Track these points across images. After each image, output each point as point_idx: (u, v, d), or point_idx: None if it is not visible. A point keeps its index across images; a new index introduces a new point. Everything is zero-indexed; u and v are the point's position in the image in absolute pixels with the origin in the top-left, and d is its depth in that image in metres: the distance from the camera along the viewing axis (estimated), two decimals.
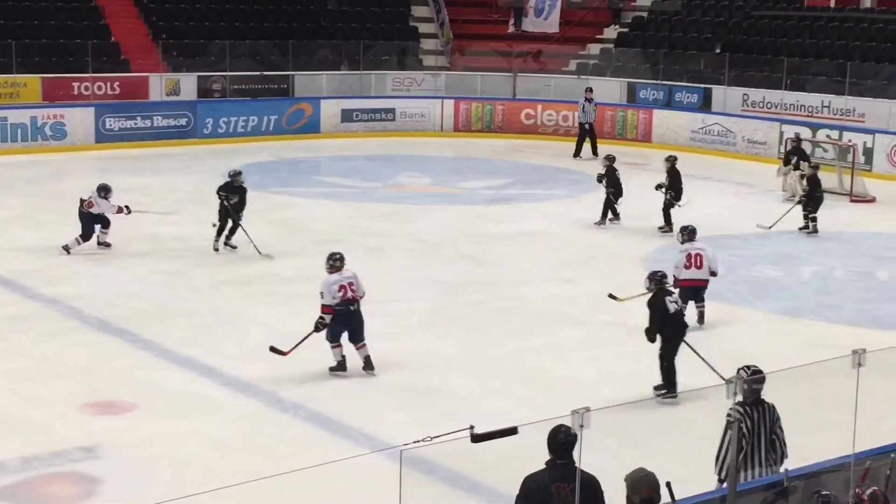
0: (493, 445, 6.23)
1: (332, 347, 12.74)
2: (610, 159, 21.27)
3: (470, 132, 33.32)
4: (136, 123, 30.15)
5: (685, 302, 13.83)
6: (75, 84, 30.82)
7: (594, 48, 35.92)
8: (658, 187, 20.46)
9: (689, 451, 9.99)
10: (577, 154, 29.18)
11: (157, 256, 17.93)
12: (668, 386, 11.94)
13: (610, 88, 32.78)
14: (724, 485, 7.74)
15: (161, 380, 12.52)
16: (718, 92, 31.21)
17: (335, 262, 12.85)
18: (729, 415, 7.85)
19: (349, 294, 12.60)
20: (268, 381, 12.43)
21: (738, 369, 8.57)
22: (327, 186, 25.22)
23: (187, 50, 33.39)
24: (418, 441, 6.26)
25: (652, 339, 11.98)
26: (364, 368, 12.69)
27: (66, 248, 17.62)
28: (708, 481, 8.16)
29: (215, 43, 33.31)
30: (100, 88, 31.10)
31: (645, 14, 36.03)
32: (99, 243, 18.12)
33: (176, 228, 19.73)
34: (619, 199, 20.93)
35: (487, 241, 19.66)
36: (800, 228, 20.56)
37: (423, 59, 36.60)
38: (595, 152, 28.46)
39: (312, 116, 32.72)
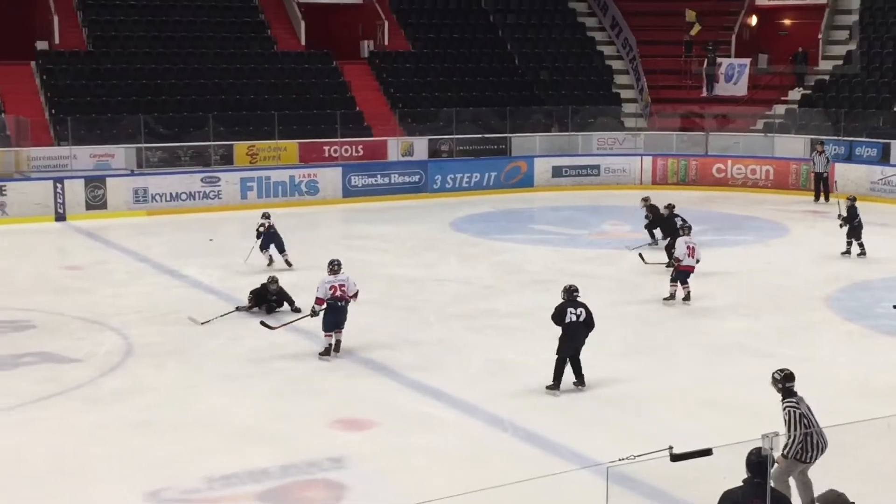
0: (689, 464, 6.08)
1: (325, 336, 14.33)
2: (852, 199, 21.27)
3: (666, 185, 32.84)
4: (376, 180, 30.81)
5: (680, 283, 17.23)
6: (326, 147, 31.79)
7: (780, 108, 34.96)
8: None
9: (867, 474, 9.52)
10: (816, 199, 28.95)
11: (392, 294, 18.21)
12: (555, 381, 12.76)
13: (794, 145, 31.86)
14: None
15: (397, 401, 12.67)
16: None
17: (333, 267, 14.44)
18: (786, 408, 8.86)
19: (339, 293, 14.21)
20: (489, 402, 12.43)
21: (773, 372, 9.30)
22: (540, 234, 25.21)
23: (420, 117, 34.04)
24: (623, 459, 6.16)
25: (557, 324, 12.84)
26: (334, 350, 14.24)
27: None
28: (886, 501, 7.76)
29: (444, 110, 33.87)
30: (346, 151, 31.98)
31: (827, 77, 34.88)
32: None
33: (408, 270, 20.03)
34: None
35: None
36: None
37: (624, 121, 36.32)
38: (826, 198, 28.01)
39: (527, 172, 32.84)
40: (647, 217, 22.59)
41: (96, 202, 27.30)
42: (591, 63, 38.82)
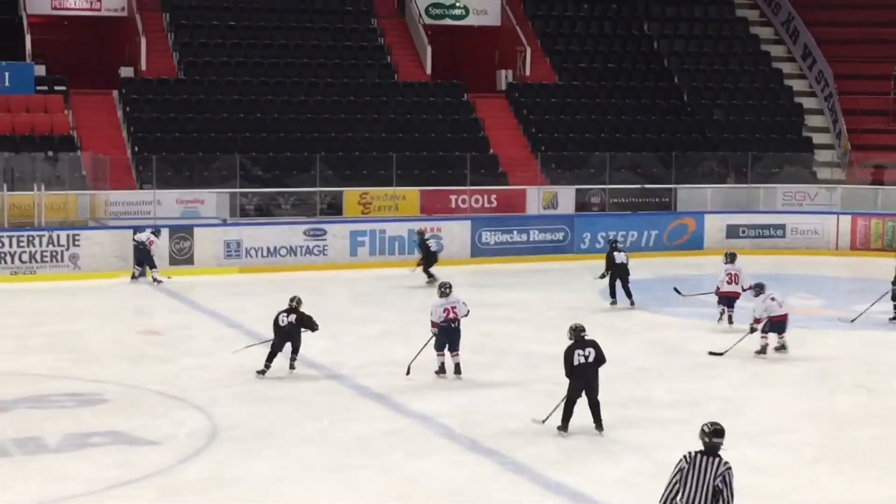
0: None
1: (437, 355, 17.67)
2: None
3: (868, 251, 32.21)
4: (511, 237, 30.92)
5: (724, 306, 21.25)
6: (453, 196, 32.08)
7: None
8: None
9: None
10: None
11: (530, 376, 18.15)
12: (563, 421, 14.67)
13: None
14: None
15: None
16: None
17: (444, 290, 17.85)
18: (680, 460, 9.78)
19: (451, 315, 17.50)
20: None
21: (703, 425, 9.98)
22: (710, 306, 24.88)
23: (566, 162, 34.14)
24: None
25: (567, 376, 14.65)
26: (454, 373, 17.56)
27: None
28: None
29: (595, 155, 33.92)
30: (477, 201, 32.22)
31: None
32: None
33: (549, 347, 19.92)
34: None
35: (887, 370, 18.82)
36: None
37: (817, 172, 35.85)
38: None
39: (696, 232, 32.58)
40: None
41: (182, 256, 27.98)
42: (776, 100, 38.49)
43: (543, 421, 15.09)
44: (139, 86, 33.90)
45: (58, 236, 27.12)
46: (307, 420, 15.59)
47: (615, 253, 24.33)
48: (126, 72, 34.44)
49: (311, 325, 17.82)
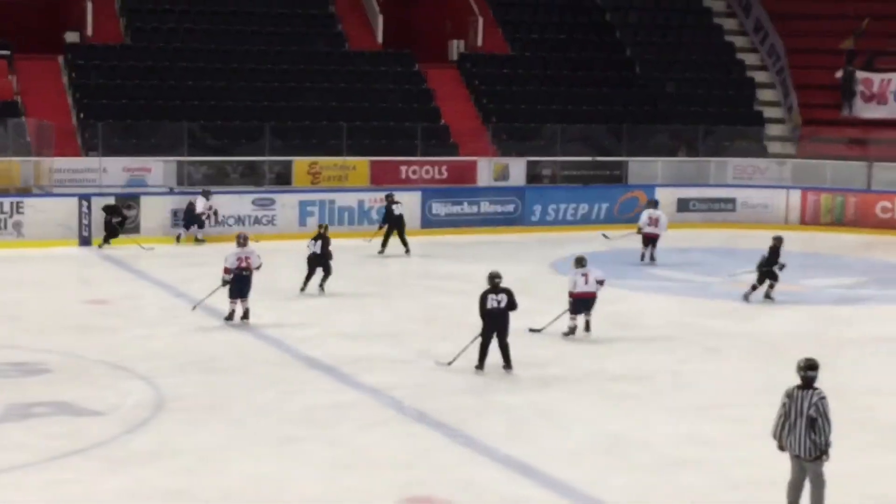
0: None
1: (230, 302, 19.22)
2: None
3: (818, 225, 32.49)
4: (462, 209, 30.94)
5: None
6: (403, 167, 32.05)
7: None
8: None
9: None
10: None
11: (478, 347, 18.17)
12: (479, 361, 16.40)
13: None
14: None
15: (479, 478, 12.59)
16: None
17: (240, 240, 19.45)
18: (784, 395, 10.93)
19: (244, 264, 19.06)
20: (593, 484, 12.31)
21: (798, 361, 11.08)
22: (661, 280, 25.05)
23: (517, 133, 34.13)
24: None
25: (481, 318, 16.41)
26: (241, 318, 19.20)
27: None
28: None
29: (546, 127, 33.92)
30: (427, 172, 32.19)
31: None
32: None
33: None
34: None
35: (836, 345, 18.97)
36: None
37: (767, 146, 36.08)
38: None
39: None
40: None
41: (128, 225, 27.75)
42: (728, 74, 38.69)
43: (449, 363, 16.37)
44: (85, 51, 33.57)
45: (1, 204, 26.84)
46: (255, 391, 15.56)
47: (392, 206, 26.83)
48: (72, 37, 34.09)
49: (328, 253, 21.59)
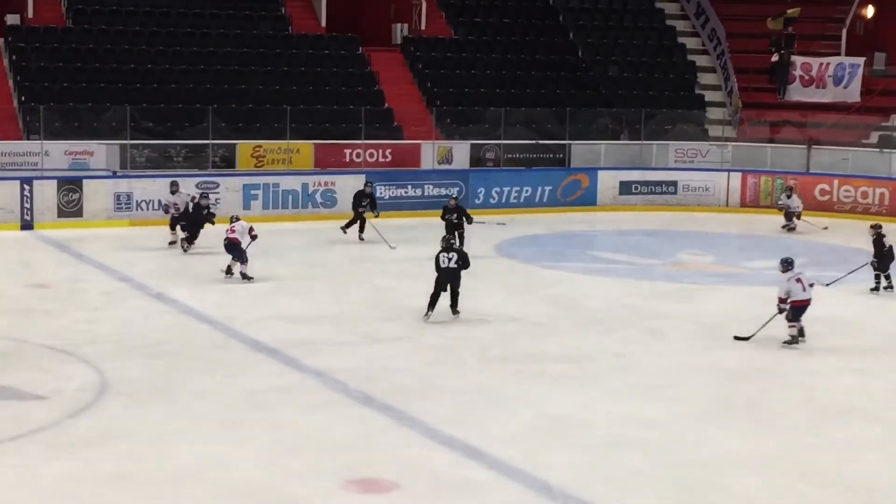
0: None
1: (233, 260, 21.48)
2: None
3: (758, 208, 32.79)
4: (406, 192, 30.95)
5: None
6: (347, 151, 31.98)
7: None
8: None
9: None
10: None
11: (422, 331, 18.23)
12: (429, 308, 18.41)
13: None
14: None
15: (424, 459, 12.64)
16: None
17: (232, 219, 21.90)
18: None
19: (231, 235, 21.29)
20: (536, 465, 12.39)
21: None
22: (603, 262, 25.18)
23: (461, 117, 34.16)
24: None
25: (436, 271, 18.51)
26: (226, 272, 21.55)
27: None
28: None
29: (490, 110, 33.97)
30: (371, 155, 32.16)
31: None
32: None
33: (442, 302, 20.03)
34: None
35: (776, 326, 19.17)
36: None
37: (708, 129, 36.31)
38: None
39: (589, 188, 32.89)
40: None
41: (70, 208, 27.57)
42: (669, 58, 38.89)
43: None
44: (26, 34, 33.22)
45: None
46: (199, 374, 15.53)
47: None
48: (12, 19, 33.71)
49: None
